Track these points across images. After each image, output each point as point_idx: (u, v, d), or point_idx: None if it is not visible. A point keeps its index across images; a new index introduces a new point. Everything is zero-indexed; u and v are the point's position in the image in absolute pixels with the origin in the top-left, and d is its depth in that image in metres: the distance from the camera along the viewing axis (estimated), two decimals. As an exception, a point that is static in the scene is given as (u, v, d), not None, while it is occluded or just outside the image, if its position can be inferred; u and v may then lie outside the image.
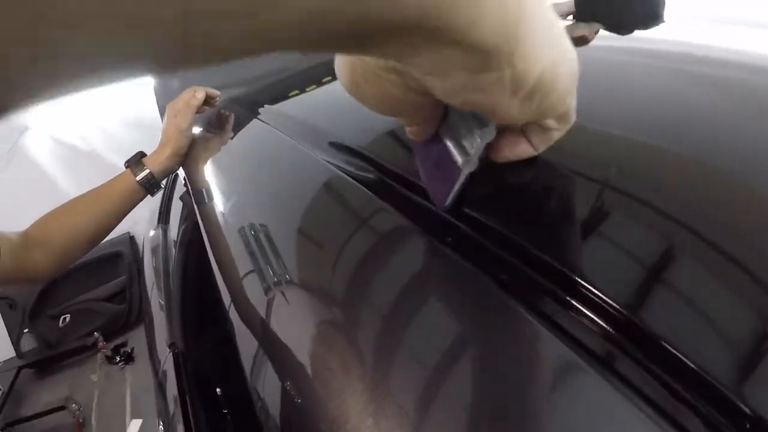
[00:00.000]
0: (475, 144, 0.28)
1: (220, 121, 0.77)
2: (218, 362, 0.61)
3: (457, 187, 0.30)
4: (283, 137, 0.59)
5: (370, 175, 0.43)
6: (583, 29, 0.61)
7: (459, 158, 0.29)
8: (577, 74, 0.24)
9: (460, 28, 0.17)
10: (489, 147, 0.29)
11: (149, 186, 0.73)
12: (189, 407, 0.52)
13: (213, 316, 0.70)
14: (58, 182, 2.42)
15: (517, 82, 0.21)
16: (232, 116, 0.76)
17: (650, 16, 0.60)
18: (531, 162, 0.31)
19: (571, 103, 0.26)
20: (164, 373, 0.59)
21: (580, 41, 0.59)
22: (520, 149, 0.30)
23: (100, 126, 2.43)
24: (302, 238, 0.42)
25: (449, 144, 0.30)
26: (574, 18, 0.67)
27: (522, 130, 0.29)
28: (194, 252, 0.85)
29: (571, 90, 0.25)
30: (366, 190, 0.41)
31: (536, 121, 0.27)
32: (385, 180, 0.41)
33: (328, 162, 0.47)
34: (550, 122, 0.27)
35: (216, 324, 0.69)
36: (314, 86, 0.73)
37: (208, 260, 0.51)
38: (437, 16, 0.16)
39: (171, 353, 0.58)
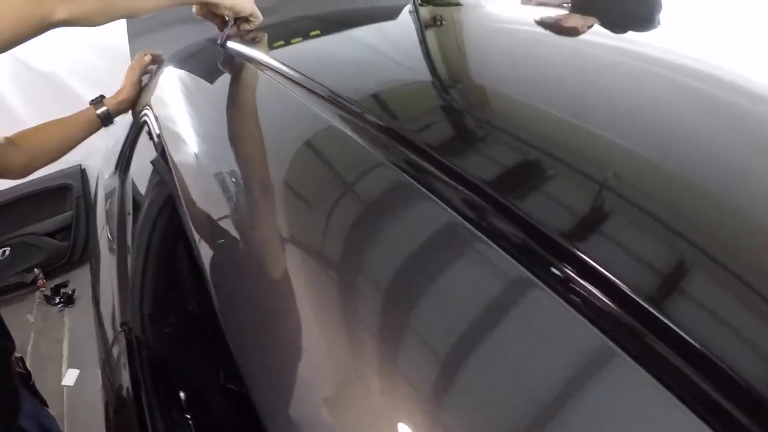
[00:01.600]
0: (227, 27, 0.82)
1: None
2: (173, 341, 0.52)
3: (223, 40, 0.82)
4: (272, 80, 0.56)
5: (355, 120, 0.41)
6: (575, 21, 0.68)
7: (226, 31, 0.82)
8: (239, 4, 0.80)
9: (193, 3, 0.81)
10: (238, 28, 0.84)
11: (105, 119, 1.00)
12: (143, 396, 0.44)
13: (174, 292, 0.60)
14: (13, 106, 2.22)
15: (223, 6, 0.79)
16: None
17: (644, 18, 0.68)
18: (549, 146, 0.37)
19: (249, 11, 0.83)
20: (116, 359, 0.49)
21: (571, 31, 0.65)
22: (246, 27, 0.84)
23: (68, 51, 2.24)
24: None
25: (225, 28, 0.82)
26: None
27: (246, 20, 0.84)
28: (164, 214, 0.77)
29: (242, 7, 0.81)
30: (352, 135, 0.39)
31: (247, 16, 0.84)
32: (364, 115, 0.40)
33: (315, 108, 0.46)
34: (252, 18, 0.84)
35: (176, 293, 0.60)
36: (300, 39, 0.79)
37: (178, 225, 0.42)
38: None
39: (123, 333, 0.47)
